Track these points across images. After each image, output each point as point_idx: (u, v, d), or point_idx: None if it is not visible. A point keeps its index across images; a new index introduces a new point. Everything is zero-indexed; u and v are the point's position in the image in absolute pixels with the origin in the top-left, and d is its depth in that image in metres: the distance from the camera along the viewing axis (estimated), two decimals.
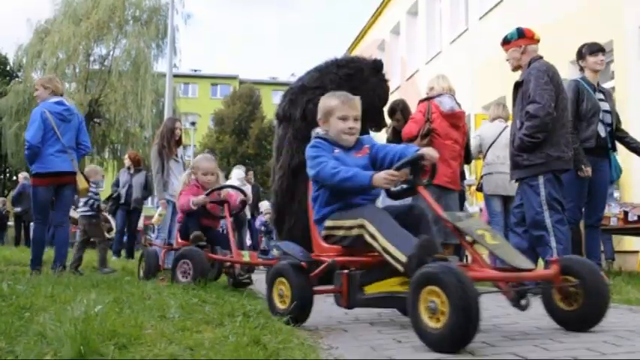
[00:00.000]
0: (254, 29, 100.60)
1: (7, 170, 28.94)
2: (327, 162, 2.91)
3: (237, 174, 10.19)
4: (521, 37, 4.55)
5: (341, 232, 2.89)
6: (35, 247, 5.51)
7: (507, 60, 4.68)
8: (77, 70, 25.69)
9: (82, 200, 6.73)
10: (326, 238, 2.99)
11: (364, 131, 6.26)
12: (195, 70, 46.28)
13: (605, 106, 5.04)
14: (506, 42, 4.65)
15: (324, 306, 3.68)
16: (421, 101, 5.69)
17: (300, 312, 2.76)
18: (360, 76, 5.76)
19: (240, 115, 36.85)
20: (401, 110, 6.40)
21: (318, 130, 3.20)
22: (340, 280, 2.82)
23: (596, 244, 5.13)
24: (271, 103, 37.84)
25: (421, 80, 15.29)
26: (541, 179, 4.22)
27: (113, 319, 2.30)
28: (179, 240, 5.12)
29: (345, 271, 2.83)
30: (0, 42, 70.98)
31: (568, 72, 9.07)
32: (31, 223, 8.26)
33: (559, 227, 4.14)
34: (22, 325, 2.32)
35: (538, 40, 4.60)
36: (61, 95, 5.77)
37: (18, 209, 13.86)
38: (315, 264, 2.93)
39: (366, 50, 19.66)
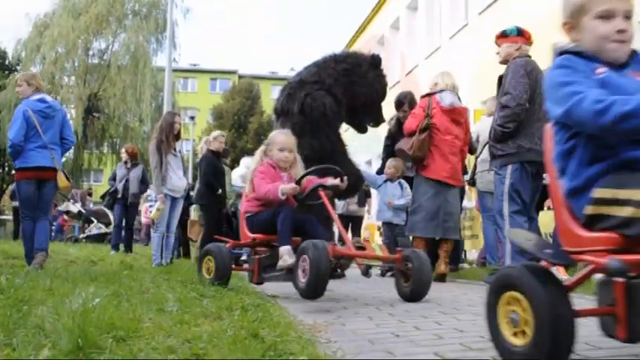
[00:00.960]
0: (253, 24, 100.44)
1: (6, 164, 28.90)
2: (585, 93, 1.72)
3: (247, 162, 10.12)
4: (519, 35, 4.74)
5: (627, 211, 1.60)
6: (26, 242, 5.54)
7: (498, 53, 4.84)
8: (76, 64, 25.71)
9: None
10: (591, 221, 1.72)
11: (363, 127, 6.29)
12: (195, 65, 46.20)
13: None
14: (503, 35, 4.79)
15: (323, 299, 3.68)
16: (422, 97, 5.70)
17: (555, 351, 1.58)
18: (358, 71, 5.76)
19: (240, 109, 36.80)
20: (409, 102, 6.41)
21: (561, 44, 1.95)
22: (611, 294, 1.69)
23: None
24: (270, 97, 37.74)
25: (421, 75, 15.27)
26: (509, 169, 4.39)
27: (111, 312, 2.30)
28: (249, 234, 4.05)
29: (620, 279, 1.65)
30: None
31: None
32: None
33: (515, 217, 4.29)
34: (20, 317, 2.32)
35: (532, 43, 4.79)
36: (43, 92, 5.81)
37: (16, 203, 13.84)
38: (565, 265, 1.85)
39: (365, 45, 19.61)
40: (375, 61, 5.86)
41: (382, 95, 5.97)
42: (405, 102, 6.41)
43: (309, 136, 5.49)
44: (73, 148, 24.96)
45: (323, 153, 5.54)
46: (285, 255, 3.59)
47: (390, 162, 6.39)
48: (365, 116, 6.06)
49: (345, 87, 5.67)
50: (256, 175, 4.07)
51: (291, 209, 3.87)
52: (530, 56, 4.70)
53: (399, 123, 6.38)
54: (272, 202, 3.90)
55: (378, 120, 6.14)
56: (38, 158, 5.49)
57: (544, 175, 5.11)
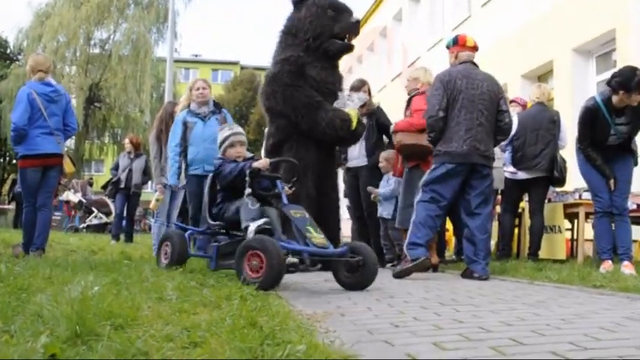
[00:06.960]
0: (255, 14, 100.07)
1: (7, 154, 28.90)
2: None
3: None
4: (455, 44, 5.01)
5: None
6: (26, 230, 5.40)
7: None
8: (77, 54, 25.63)
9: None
10: None
11: (343, 48, 6.07)
12: (196, 55, 46.11)
13: (623, 129, 4.93)
14: (447, 47, 5.10)
15: (323, 290, 3.68)
16: (419, 94, 5.60)
17: None
18: (294, 22, 5.83)
19: (241, 100, 36.79)
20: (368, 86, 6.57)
21: None
22: None
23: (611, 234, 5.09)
24: None
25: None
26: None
27: (110, 300, 2.30)
28: None
29: None
30: (0, 25, 70.73)
31: (571, 59, 9.03)
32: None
33: (420, 206, 4.75)
34: (19, 305, 2.32)
35: (473, 47, 5.01)
36: (49, 76, 5.60)
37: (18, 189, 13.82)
38: None
39: (367, 36, 19.54)
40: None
41: (322, 15, 5.75)
42: (365, 84, 6.48)
43: (292, 110, 5.55)
44: (74, 137, 25.01)
45: (308, 108, 5.51)
46: None
47: (383, 155, 6.17)
48: (334, 39, 5.89)
49: (293, 44, 5.72)
50: None
51: None
52: (472, 61, 4.93)
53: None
54: None
55: (348, 30, 5.91)
56: (44, 144, 5.30)
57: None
